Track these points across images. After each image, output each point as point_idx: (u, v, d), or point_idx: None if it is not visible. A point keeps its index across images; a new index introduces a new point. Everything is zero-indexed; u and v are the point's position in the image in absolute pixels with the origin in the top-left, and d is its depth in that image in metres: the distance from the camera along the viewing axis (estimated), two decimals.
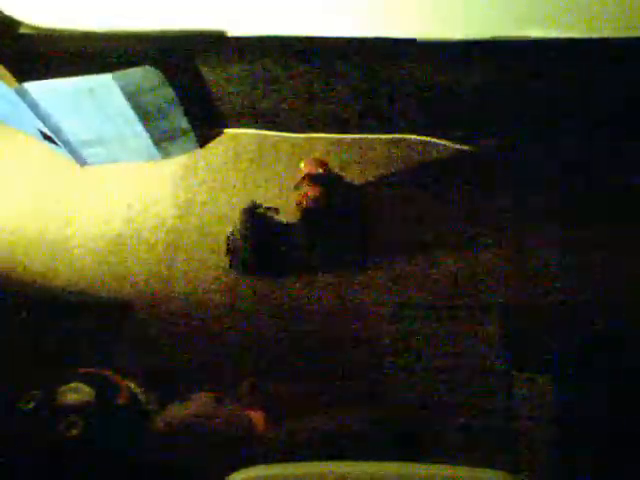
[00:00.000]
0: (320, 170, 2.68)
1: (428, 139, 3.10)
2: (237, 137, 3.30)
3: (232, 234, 2.73)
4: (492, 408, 2.38)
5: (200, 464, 1.70)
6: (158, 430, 1.75)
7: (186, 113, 3.05)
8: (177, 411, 1.81)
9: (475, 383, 2.44)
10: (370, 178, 3.03)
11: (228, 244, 2.75)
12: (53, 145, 3.18)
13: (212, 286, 2.84)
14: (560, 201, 2.86)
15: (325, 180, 2.67)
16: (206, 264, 2.90)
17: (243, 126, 3.28)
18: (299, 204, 2.67)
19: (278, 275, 2.80)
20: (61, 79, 2.66)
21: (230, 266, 2.80)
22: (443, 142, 3.09)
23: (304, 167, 2.70)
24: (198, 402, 1.85)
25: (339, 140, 3.19)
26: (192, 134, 3.19)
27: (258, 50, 2.67)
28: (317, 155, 2.80)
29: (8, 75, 2.86)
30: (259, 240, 2.64)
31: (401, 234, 2.87)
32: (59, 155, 3.27)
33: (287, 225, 2.74)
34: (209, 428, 1.76)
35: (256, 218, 2.65)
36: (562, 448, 2.26)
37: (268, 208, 2.68)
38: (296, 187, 2.72)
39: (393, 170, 3.06)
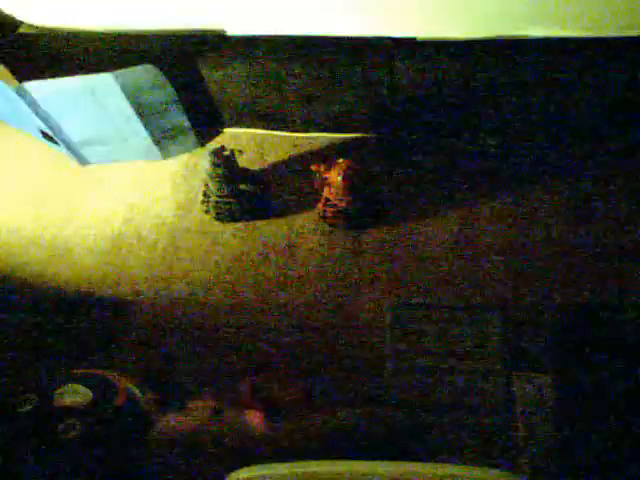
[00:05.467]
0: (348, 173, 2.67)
1: (428, 138, 3.10)
2: (237, 137, 3.30)
3: (206, 182, 2.91)
4: (492, 408, 2.39)
5: (200, 464, 1.70)
6: (156, 441, 1.74)
7: (186, 112, 3.05)
8: (175, 422, 1.79)
9: (475, 383, 2.44)
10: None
11: (204, 191, 2.95)
12: (53, 144, 3.18)
13: (212, 286, 2.84)
14: (562, 200, 2.87)
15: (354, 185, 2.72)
16: (206, 264, 2.90)
17: (243, 126, 3.29)
18: (327, 212, 2.83)
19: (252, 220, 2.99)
20: (61, 79, 2.66)
21: (206, 212, 2.99)
22: (443, 141, 3.09)
23: (335, 170, 2.68)
24: (196, 412, 1.84)
25: (339, 140, 3.20)
26: (192, 133, 3.20)
27: (258, 50, 2.67)
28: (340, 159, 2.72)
29: (8, 75, 2.86)
30: (226, 182, 2.80)
31: (402, 233, 2.88)
32: (59, 155, 3.27)
33: (254, 172, 3.02)
34: (207, 440, 1.75)
35: (223, 160, 2.76)
36: (562, 448, 2.26)
37: (233, 150, 2.80)
38: (318, 187, 2.81)
39: (391, 170, 3.07)
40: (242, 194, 2.87)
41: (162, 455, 1.73)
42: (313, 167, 2.72)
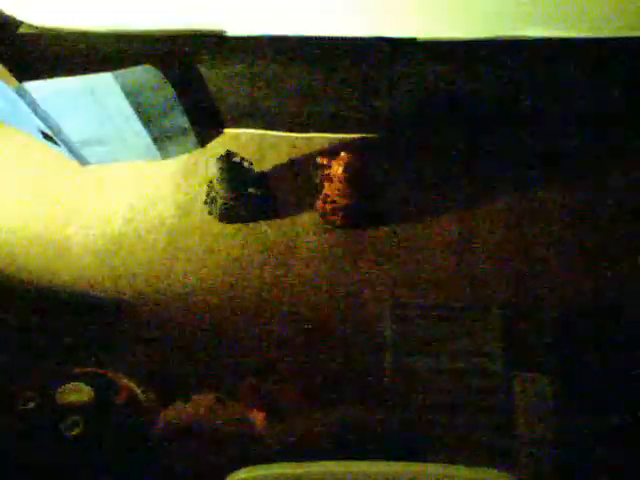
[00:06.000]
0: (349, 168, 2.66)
1: (427, 138, 3.10)
2: (237, 137, 3.30)
3: (211, 183, 2.93)
4: (492, 408, 2.39)
5: (200, 464, 1.70)
6: (159, 431, 1.75)
7: (186, 113, 3.05)
8: (178, 412, 1.81)
9: (475, 383, 2.44)
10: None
11: (207, 192, 2.95)
12: (53, 145, 3.18)
13: (212, 286, 2.84)
14: (562, 200, 2.87)
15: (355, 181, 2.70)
16: (206, 264, 2.90)
17: (243, 126, 3.28)
18: (327, 212, 2.83)
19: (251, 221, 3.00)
20: (61, 79, 2.66)
21: (209, 213, 3.00)
22: (443, 141, 3.09)
23: (337, 164, 2.67)
24: (199, 403, 1.84)
25: (339, 140, 3.20)
26: (192, 134, 3.19)
27: (258, 50, 2.67)
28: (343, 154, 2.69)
29: (8, 75, 2.86)
30: (234, 186, 2.82)
31: (402, 233, 2.88)
32: (59, 155, 3.27)
33: (259, 175, 3.02)
34: (210, 429, 1.75)
35: (232, 165, 2.78)
36: (562, 448, 2.26)
37: (242, 158, 2.83)
38: (319, 185, 2.80)
39: (391, 170, 3.06)
40: (249, 197, 2.88)
41: (164, 453, 1.73)
42: (318, 159, 2.72)
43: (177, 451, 1.71)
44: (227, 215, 2.95)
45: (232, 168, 2.78)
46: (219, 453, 1.69)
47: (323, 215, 2.88)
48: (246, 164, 2.86)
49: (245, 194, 2.87)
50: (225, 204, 2.89)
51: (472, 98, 2.82)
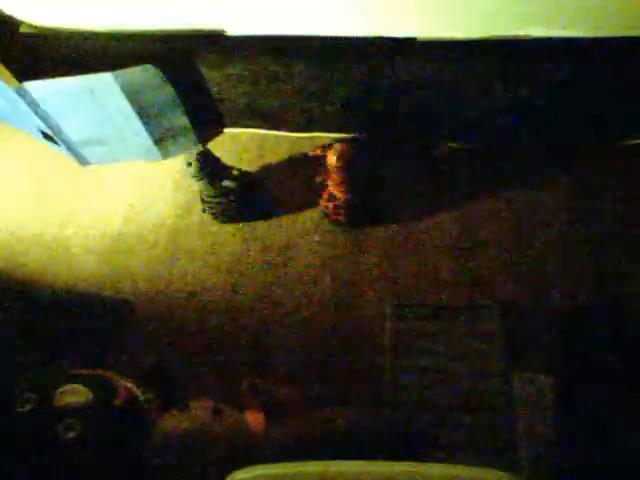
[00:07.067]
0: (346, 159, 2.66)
1: (428, 138, 3.10)
2: (237, 137, 3.30)
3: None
4: (492, 408, 2.38)
5: (200, 464, 1.70)
6: (155, 443, 1.73)
7: (186, 112, 3.05)
8: (174, 423, 1.79)
9: (475, 383, 2.44)
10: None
11: (200, 193, 2.92)
12: (53, 145, 3.18)
13: (212, 286, 2.84)
14: (562, 200, 2.86)
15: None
16: (206, 264, 2.90)
17: (243, 126, 3.28)
18: (330, 210, 2.83)
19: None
20: (61, 79, 2.66)
21: (203, 211, 3.00)
22: (443, 142, 3.09)
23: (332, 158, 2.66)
24: (196, 413, 1.83)
25: (339, 140, 3.19)
26: (192, 133, 3.19)
27: (258, 49, 2.67)
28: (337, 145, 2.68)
29: (8, 75, 2.86)
30: (210, 181, 2.77)
31: (402, 233, 2.88)
32: (59, 155, 3.27)
33: (238, 169, 2.95)
34: (207, 441, 1.74)
35: (208, 158, 2.74)
36: (562, 448, 2.26)
37: (207, 148, 2.78)
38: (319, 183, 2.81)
39: (391, 169, 3.06)
40: (228, 191, 2.84)
41: (162, 455, 1.72)
42: (310, 153, 2.72)
43: (175, 460, 1.70)
44: (216, 214, 2.93)
45: (205, 162, 2.71)
46: (218, 453, 1.69)
47: (326, 214, 2.88)
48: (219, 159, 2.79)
49: (222, 189, 2.81)
50: (208, 201, 2.87)
51: (472, 98, 2.82)
